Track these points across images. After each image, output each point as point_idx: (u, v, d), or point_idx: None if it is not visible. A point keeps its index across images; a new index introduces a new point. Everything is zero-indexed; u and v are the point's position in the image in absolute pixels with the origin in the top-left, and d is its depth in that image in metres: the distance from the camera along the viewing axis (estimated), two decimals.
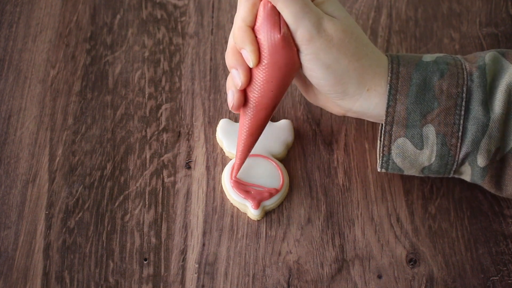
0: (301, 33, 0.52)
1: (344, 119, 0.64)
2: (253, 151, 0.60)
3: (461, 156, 0.54)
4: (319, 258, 0.58)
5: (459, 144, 0.54)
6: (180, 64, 0.67)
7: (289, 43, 0.53)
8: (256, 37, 0.53)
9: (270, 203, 0.59)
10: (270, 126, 0.62)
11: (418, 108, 0.53)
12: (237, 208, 0.59)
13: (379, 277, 0.57)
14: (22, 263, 0.57)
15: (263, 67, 0.53)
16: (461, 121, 0.53)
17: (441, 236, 0.59)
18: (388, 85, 0.54)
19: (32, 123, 0.63)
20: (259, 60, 0.53)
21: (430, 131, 0.54)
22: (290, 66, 0.53)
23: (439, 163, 0.55)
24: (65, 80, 0.65)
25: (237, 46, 0.54)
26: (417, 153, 0.55)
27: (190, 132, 0.63)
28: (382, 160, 0.56)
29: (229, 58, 0.55)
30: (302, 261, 0.58)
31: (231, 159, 0.61)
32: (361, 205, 0.60)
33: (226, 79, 0.65)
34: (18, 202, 0.59)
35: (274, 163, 0.60)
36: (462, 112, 0.53)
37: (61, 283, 0.56)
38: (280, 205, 0.60)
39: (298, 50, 0.53)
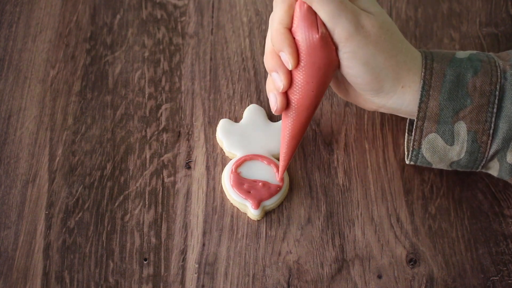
0: (339, 32, 0.52)
1: (344, 119, 0.63)
2: (253, 151, 0.60)
3: (491, 153, 0.54)
4: (319, 258, 0.58)
5: (489, 141, 0.54)
6: (180, 64, 0.67)
7: (327, 42, 0.52)
8: (294, 38, 0.53)
9: (270, 203, 0.59)
10: (270, 126, 0.62)
11: (451, 104, 0.54)
12: (237, 208, 0.59)
13: (379, 277, 0.57)
14: (22, 263, 0.57)
15: (303, 68, 0.53)
16: (493, 119, 0.53)
17: (441, 236, 0.59)
18: (421, 81, 0.54)
19: (32, 123, 0.63)
20: (298, 62, 0.53)
21: (461, 128, 0.54)
22: (329, 65, 0.53)
23: (468, 159, 0.55)
24: (65, 80, 0.65)
25: (276, 49, 0.53)
26: (447, 149, 0.55)
27: (190, 132, 0.63)
28: (412, 154, 0.56)
29: (268, 61, 0.55)
30: (302, 261, 0.58)
31: (231, 159, 0.61)
32: (361, 205, 0.60)
33: (225, 79, 0.66)
34: (18, 202, 0.59)
35: (274, 163, 0.60)
36: (495, 110, 0.53)
37: (61, 283, 0.56)
38: (280, 205, 0.60)
39: (336, 48, 0.53)
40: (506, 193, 0.60)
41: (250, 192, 0.59)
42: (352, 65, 0.53)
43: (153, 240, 0.58)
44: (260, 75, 0.66)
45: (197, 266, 0.57)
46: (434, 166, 0.57)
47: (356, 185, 0.61)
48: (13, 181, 0.60)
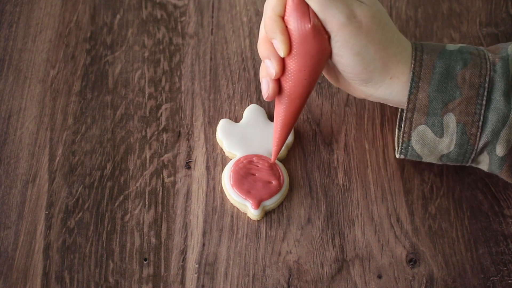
0: (330, 22, 0.52)
1: (344, 119, 0.63)
2: (253, 151, 0.60)
3: (480, 145, 0.54)
4: (319, 258, 0.58)
5: (479, 133, 0.54)
6: (180, 64, 0.67)
7: (319, 32, 0.53)
8: (286, 27, 0.53)
9: (270, 203, 0.59)
10: (270, 126, 0.62)
11: (440, 96, 0.54)
12: (237, 208, 0.59)
13: (379, 277, 0.57)
14: (22, 263, 0.57)
15: (295, 57, 0.53)
16: (482, 111, 0.54)
17: (441, 236, 0.59)
18: (411, 72, 0.54)
19: (32, 123, 0.63)
20: (290, 50, 0.53)
21: (450, 120, 0.54)
22: (322, 54, 0.53)
23: (458, 152, 0.55)
24: (65, 80, 0.65)
25: (268, 36, 0.54)
26: (436, 141, 0.55)
27: (190, 132, 0.63)
28: (402, 146, 0.56)
29: (261, 48, 0.55)
30: (302, 261, 0.58)
31: (231, 159, 0.61)
32: (361, 205, 0.60)
33: (226, 79, 0.66)
34: (18, 202, 0.59)
35: (274, 163, 0.60)
36: (484, 102, 0.53)
37: (61, 283, 0.56)
38: (280, 205, 0.60)
39: (329, 37, 0.53)
40: (506, 193, 0.60)
41: (250, 192, 0.59)
42: (343, 54, 0.53)
43: (153, 240, 0.58)
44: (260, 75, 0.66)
45: (197, 266, 0.57)
46: (424, 160, 0.57)
47: (356, 185, 0.61)
48: (13, 181, 0.60)
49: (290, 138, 0.62)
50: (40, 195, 0.60)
